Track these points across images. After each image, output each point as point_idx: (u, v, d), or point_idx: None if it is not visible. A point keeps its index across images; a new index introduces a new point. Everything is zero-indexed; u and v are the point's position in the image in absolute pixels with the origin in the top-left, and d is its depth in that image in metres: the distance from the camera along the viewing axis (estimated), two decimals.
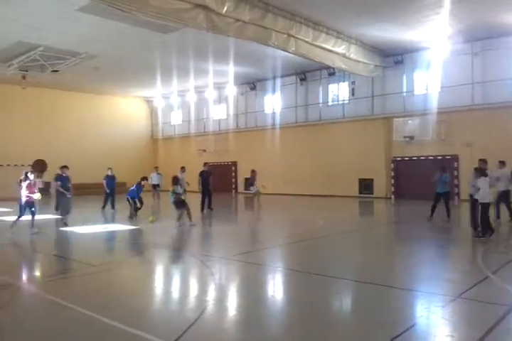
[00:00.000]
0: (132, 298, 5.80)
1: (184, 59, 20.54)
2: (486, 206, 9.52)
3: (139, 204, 14.03)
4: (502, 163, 12.25)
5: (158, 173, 21.14)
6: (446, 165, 15.09)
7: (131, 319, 4.80)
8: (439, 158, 19.63)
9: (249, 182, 19.00)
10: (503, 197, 11.98)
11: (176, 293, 6.19)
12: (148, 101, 33.91)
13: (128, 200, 13.96)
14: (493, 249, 9.17)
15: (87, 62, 21.25)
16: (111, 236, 11.43)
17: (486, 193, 9.45)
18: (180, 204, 12.41)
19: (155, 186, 21.11)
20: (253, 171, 18.09)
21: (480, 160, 11.19)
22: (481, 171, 9.71)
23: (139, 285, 6.48)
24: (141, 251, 9.41)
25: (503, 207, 12.24)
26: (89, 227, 12.05)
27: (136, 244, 10.42)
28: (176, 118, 32.90)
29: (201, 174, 16.51)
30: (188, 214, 12.36)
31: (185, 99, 31.02)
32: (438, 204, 12.91)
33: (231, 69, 22.75)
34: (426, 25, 16.63)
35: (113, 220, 14.56)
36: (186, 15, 12.42)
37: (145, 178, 14.63)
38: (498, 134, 17.94)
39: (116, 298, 5.81)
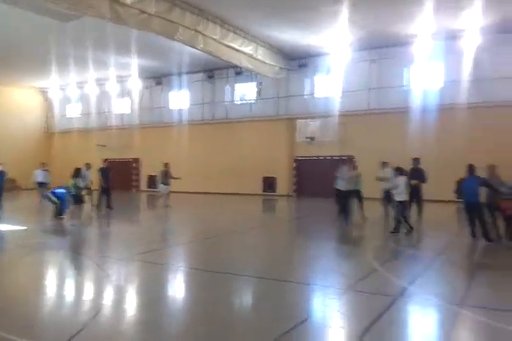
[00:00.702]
0: (19, 302, 5.35)
1: (83, 49, 19.25)
2: (401, 203, 10.28)
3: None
4: (385, 164, 13.21)
5: (45, 170, 18.93)
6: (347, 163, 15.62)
7: (17, 325, 4.45)
8: (336, 158, 20.61)
9: (164, 179, 16.22)
10: (387, 195, 12.76)
11: (68, 296, 5.83)
12: (44, 92, 31.50)
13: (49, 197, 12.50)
14: (383, 243, 9.89)
15: None
16: None
17: (401, 191, 10.22)
18: (78, 199, 11.78)
19: (41, 184, 18.35)
20: (166, 164, 16.29)
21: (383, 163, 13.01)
22: (400, 170, 10.51)
23: (28, 289, 6.01)
24: (31, 253, 8.62)
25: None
26: None
27: (27, 245, 9.60)
28: (74, 111, 30.86)
29: (101, 170, 15.75)
30: (80, 211, 11.92)
31: (84, 91, 29.25)
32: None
33: (134, 62, 21.91)
34: (327, 31, 17.42)
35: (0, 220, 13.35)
36: (89, 3, 11.75)
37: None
38: (390, 137, 19.36)
39: (3, 302, 5.34)
